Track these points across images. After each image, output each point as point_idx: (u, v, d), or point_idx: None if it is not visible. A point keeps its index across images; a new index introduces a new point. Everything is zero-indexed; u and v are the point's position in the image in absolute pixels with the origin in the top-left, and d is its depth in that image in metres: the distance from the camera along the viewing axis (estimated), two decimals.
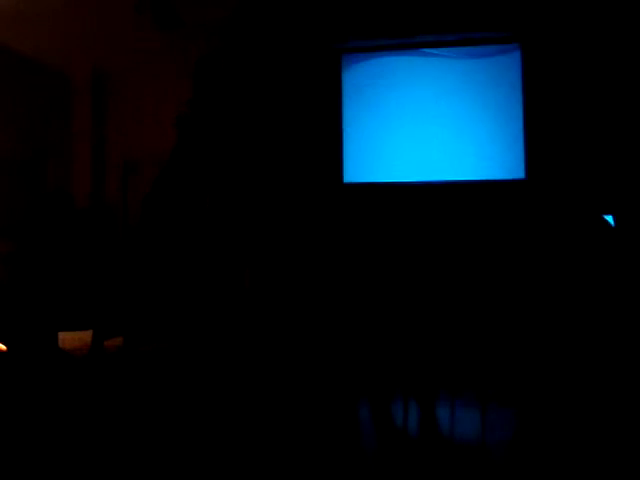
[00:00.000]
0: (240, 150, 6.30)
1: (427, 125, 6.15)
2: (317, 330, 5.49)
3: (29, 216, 6.03)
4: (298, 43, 6.30)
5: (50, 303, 3.89)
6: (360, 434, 3.36)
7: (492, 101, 6.04)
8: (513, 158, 5.98)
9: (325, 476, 2.66)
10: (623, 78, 5.68)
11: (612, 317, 4.51)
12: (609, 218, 5.20)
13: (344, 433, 3.29)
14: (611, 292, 4.66)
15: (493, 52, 6.06)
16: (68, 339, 3.81)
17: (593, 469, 2.71)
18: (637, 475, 2.62)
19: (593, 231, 5.48)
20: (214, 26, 6.21)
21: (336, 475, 2.68)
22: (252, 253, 5.94)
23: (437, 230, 5.93)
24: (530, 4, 5.75)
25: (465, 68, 6.11)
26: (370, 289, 5.85)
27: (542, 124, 5.87)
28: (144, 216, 4.30)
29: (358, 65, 6.34)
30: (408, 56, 6.24)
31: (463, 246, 5.85)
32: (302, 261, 6.02)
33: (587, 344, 4.57)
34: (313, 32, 6.21)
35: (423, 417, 3.60)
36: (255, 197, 6.18)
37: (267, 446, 3.00)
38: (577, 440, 3.07)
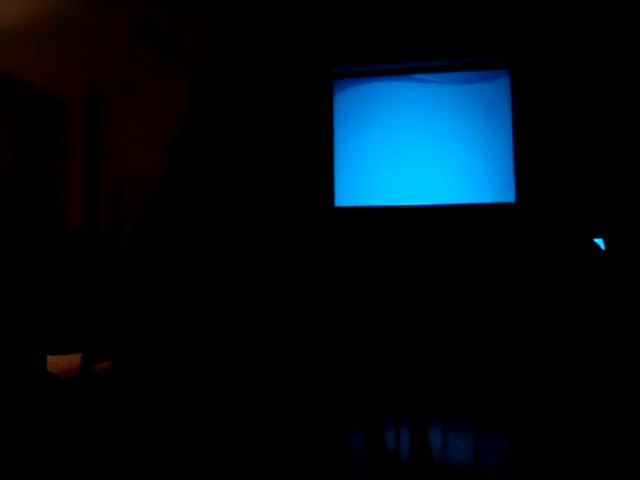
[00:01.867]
0: (232, 172, 6.32)
1: (418, 149, 6.21)
2: (308, 352, 5.46)
3: (20, 238, 6.01)
4: (291, 67, 6.37)
5: (39, 326, 3.85)
6: (351, 458, 3.32)
7: (482, 125, 6.11)
8: (503, 182, 6.03)
9: None
10: (612, 103, 5.76)
11: (602, 340, 4.51)
12: (599, 242, 5.23)
13: (335, 457, 3.26)
14: (602, 315, 4.67)
15: (483, 78, 6.16)
16: (57, 362, 3.77)
17: None
18: None
19: (583, 255, 5.51)
20: (208, 50, 6.29)
21: None
22: (244, 276, 5.93)
23: (428, 253, 5.95)
24: (519, 31, 5.86)
25: (455, 93, 6.20)
26: (361, 311, 5.84)
27: (532, 148, 5.93)
28: (135, 238, 4.28)
29: (350, 90, 6.42)
30: (399, 81, 6.32)
31: (453, 269, 5.86)
32: (294, 284, 6.01)
33: (577, 366, 4.56)
34: (306, 57, 6.29)
35: (415, 441, 3.57)
36: (246, 220, 6.19)
37: (260, 470, 2.97)
38: (570, 464, 3.05)
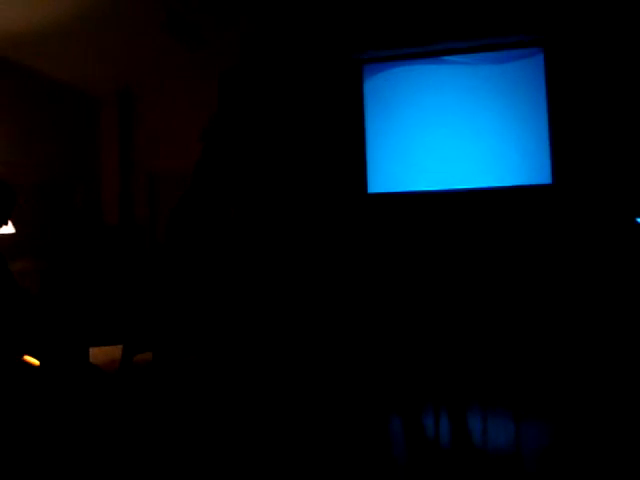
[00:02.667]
0: (264, 162, 6.34)
1: (450, 133, 6.12)
2: (347, 341, 5.47)
3: (60, 234, 6.15)
4: (319, 55, 6.34)
5: (81, 318, 3.95)
6: (391, 445, 3.33)
7: (515, 106, 5.99)
8: (539, 163, 5.90)
9: None
10: None
11: None
12: None
13: (375, 444, 3.26)
14: None
15: (515, 57, 6.02)
16: (99, 354, 3.87)
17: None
18: None
19: (624, 235, 5.38)
20: (237, 41, 6.30)
21: None
22: (278, 264, 5.96)
23: (463, 238, 5.87)
24: (553, 6, 5.70)
25: (487, 74, 6.08)
26: (398, 298, 5.82)
27: (568, 128, 5.79)
28: (171, 230, 4.34)
29: (379, 75, 6.35)
30: (429, 64, 6.23)
31: (491, 254, 5.78)
32: (329, 271, 6.01)
33: (624, 353, 4.46)
34: (334, 44, 6.25)
35: (455, 428, 3.55)
36: (280, 209, 6.21)
37: (297, 460, 2.99)
38: (610, 452, 3.00)
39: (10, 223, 4.31)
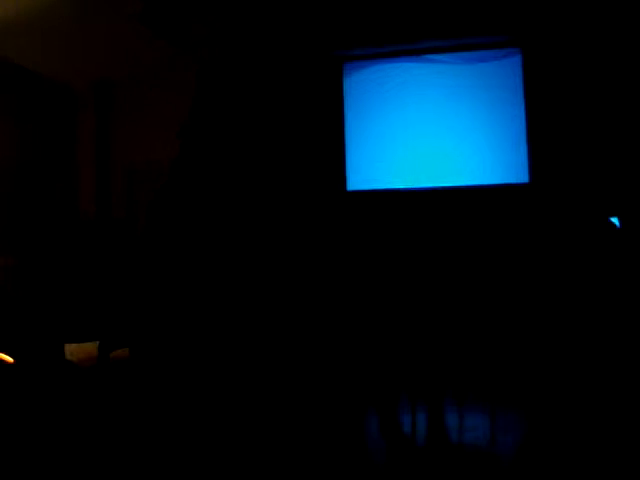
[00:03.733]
0: (242, 158, 6.31)
1: (429, 131, 6.15)
2: (323, 337, 5.48)
3: (35, 229, 6.05)
4: (300, 51, 6.31)
5: (56, 314, 3.90)
6: (367, 441, 3.35)
7: (494, 105, 6.04)
8: (516, 162, 5.97)
9: None
10: (626, 80, 5.66)
11: (619, 319, 4.49)
12: (614, 220, 5.18)
13: (351, 440, 3.28)
14: (618, 294, 4.63)
15: (494, 57, 6.07)
16: (74, 351, 3.82)
17: (601, 471, 2.69)
18: None
19: (599, 233, 5.47)
20: (217, 35, 6.24)
21: None
22: (256, 262, 5.94)
23: (441, 236, 5.92)
24: (530, 8, 5.75)
25: (466, 73, 6.11)
26: (376, 295, 5.84)
27: (545, 127, 5.85)
28: (149, 225, 4.30)
29: (359, 72, 6.35)
30: (409, 62, 6.24)
31: (468, 251, 5.83)
32: (307, 268, 6.01)
33: (593, 345, 4.54)
34: (314, 41, 6.23)
35: (431, 423, 3.59)
36: (259, 205, 6.19)
37: (277, 456, 2.99)
38: (586, 443, 3.05)
39: None
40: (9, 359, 2.74)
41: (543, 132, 5.85)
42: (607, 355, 4.35)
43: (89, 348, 3.90)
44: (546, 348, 4.97)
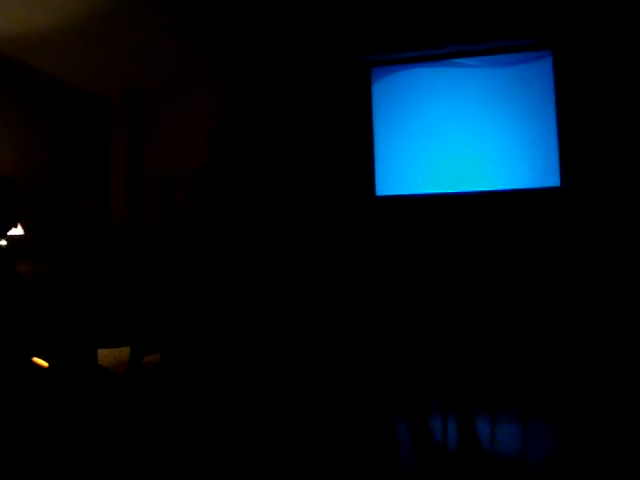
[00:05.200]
0: (272, 165, 6.34)
1: (459, 135, 6.10)
2: (354, 343, 5.46)
3: (68, 235, 6.16)
4: (328, 57, 6.33)
5: (89, 320, 3.95)
6: (398, 449, 3.32)
7: (524, 109, 5.96)
8: (547, 166, 5.88)
9: None
10: None
11: None
12: None
13: (382, 448, 3.26)
14: None
15: (524, 59, 6.00)
16: (107, 356, 3.86)
17: None
18: None
19: (632, 238, 5.35)
20: (245, 43, 6.30)
21: None
22: (286, 267, 5.95)
23: (472, 241, 5.85)
24: (560, 9, 5.67)
25: (496, 77, 6.05)
26: (407, 301, 5.80)
27: (576, 130, 5.76)
28: (179, 230, 4.35)
29: (388, 77, 6.34)
30: (437, 67, 6.21)
31: (500, 256, 5.75)
32: (337, 274, 6.00)
33: (627, 354, 4.44)
34: (342, 46, 6.24)
35: (462, 432, 3.54)
36: (289, 212, 6.20)
37: (302, 463, 2.99)
38: (616, 453, 2.98)
39: (19, 225, 4.32)
40: (44, 363, 2.78)
41: (574, 135, 5.76)
42: (635, 364, 4.25)
43: (121, 353, 3.94)
44: (583, 357, 4.87)
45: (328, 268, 6.02)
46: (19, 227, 4.73)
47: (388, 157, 6.30)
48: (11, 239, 4.82)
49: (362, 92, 6.35)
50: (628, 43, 5.61)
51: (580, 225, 5.64)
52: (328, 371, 4.79)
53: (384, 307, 5.81)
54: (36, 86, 6.05)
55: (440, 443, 3.37)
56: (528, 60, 6.00)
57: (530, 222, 5.81)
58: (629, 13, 5.54)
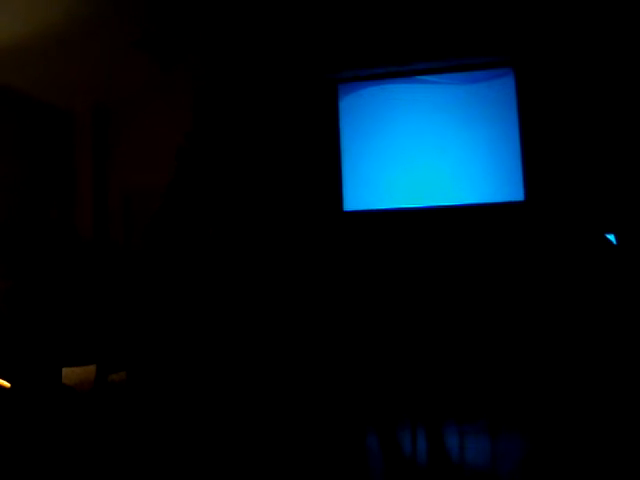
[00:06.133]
0: (238, 180, 6.34)
1: (424, 151, 6.20)
2: (321, 357, 5.46)
3: (31, 251, 6.04)
4: (295, 73, 6.38)
5: (53, 338, 3.88)
6: (368, 463, 3.32)
7: (488, 125, 6.09)
8: (511, 180, 6.01)
9: None
10: (619, 98, 5.73)
11: (616, 335, 4.48)
12: (611, 237, 5.20)
13: (351, 463, 3.25)
14: (614, 310, 4.64)
15: (487, 77, 6.14)
16: (72, 374, 3.80)
17: None
18: None
19: (596, 250, 5.48)
20: (212, 59, 6.31)
21: None
22: (253, 282, 5.93)
23: (438, 255, 5.93)
24: (522, 28, 5.83)
25: (460, 93, 6.18)
26: (376, 314, 5.83)
27: (539, 145, 5.91)
28: (145, 248, 4.31)
29: (354, 94, 6.42)
30: (404, 84, 6.32)
31: (465, 270, 5.84)
32: (306, 289, 6.00)
33: (592, 363, 4.53)
34: (309, 64, 6.30)
35: (431, 445, 3.56)
36: (254, 227, 6.20)
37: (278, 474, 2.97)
38: (585, 464, 3.03)
39: None
40: (6, 384, 2.72)
41: (537, 150, 5.90)
42: (605, 371, 4.33)
43: (86, 372, 3.88)
44: (546, 368, 4.95)
45: (296, 283, 6.02)
46: None
47: (355, 172, 6.36)
48: None
49: (329, 108, 6.41)
50: (588, 60, 5.80)
51: (544, 238, 5.76)
52: (300, 381, 4.78)
53: (351, 320, 5.82)
54: (2, 101, 5.95)
55: (410, 456, 3.38)
56: (491, 77, 6.14)
57: (496, 236, 5.91)
58: (589, 31, 5.73)
